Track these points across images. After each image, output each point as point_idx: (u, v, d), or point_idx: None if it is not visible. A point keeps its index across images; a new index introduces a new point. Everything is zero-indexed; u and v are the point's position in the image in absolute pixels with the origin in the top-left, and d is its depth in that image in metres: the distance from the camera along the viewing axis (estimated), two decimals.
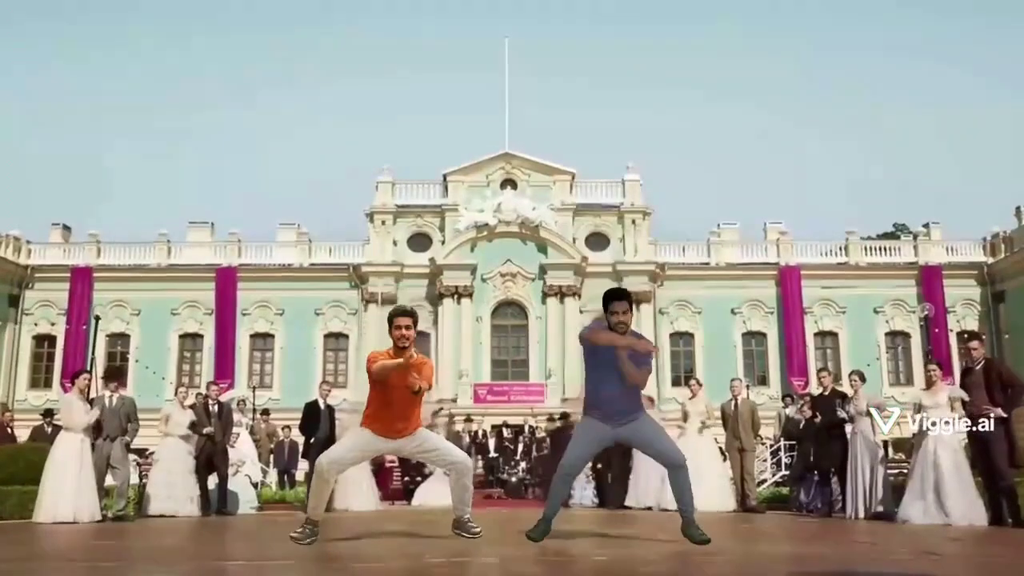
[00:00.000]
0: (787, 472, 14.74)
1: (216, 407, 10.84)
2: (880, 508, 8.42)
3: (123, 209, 71.33)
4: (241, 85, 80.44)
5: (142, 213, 73.16)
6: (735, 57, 75.41)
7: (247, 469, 12.52)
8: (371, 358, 5.72)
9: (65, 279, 33.97)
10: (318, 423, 11.42)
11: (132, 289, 34.48)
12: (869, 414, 8.65)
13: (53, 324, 34.08)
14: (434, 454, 5.84)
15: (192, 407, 10.61)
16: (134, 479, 11.41)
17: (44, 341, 34.38)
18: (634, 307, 5.36)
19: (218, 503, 10.50)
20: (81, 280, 34.19)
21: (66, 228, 37.68)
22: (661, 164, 79.85)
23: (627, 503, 11.70)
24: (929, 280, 34.44)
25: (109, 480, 9.18)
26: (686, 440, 10.60)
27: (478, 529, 5.71)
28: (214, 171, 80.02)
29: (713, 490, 10.34)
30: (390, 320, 5.72)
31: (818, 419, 9.36)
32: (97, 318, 21.92)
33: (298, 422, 11.89)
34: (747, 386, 12.93)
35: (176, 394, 10.48)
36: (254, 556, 5.38)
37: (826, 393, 9.64)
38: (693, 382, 11.16)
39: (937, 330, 32.56)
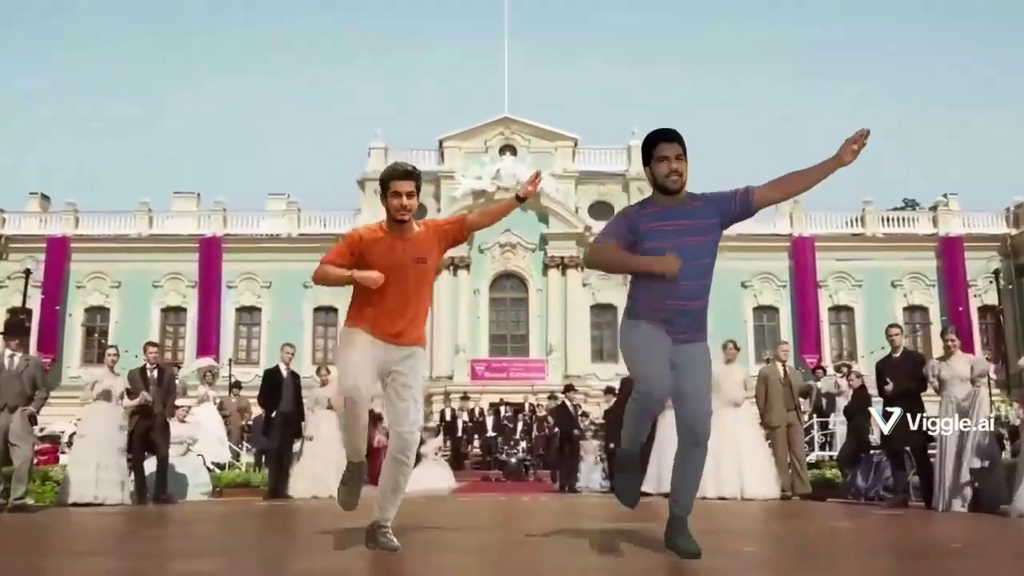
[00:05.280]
0: (822, 452, 13.12)
1: (155, 372, 9.07)
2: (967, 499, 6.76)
3: (113, 196, 69.62)
4: (234, 62, 78.33)
5: (131, 195, 71.40)
6: (740, 27, 73.30)
7: (204, 447, 10.84)
8: (350, 238, 4.09)
9: (41, 250, 32.17)
10: (280, 394, 9.75)
11: (111, 260, 32.82)
12: (974, 381, 6.99)
13: (28, 296, 32.32)
14: (402, 392, 4.02)
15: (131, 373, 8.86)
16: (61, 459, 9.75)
17: (19, 314, 32.61)
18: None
19: (156, 488, 8.79)
20: (57, 251, 32.47)
21: (44, 197, 36.08)
22: None
23: (645, 488, 10.02)
24: (949, 252, 32.82)
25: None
26: (721, 415, 8.91)
27: (395, 543, 3.94)
28: (208, 152, 78.20)
29: (759, 475, 8.69)
30: (384, 184, 4.02)
31: (888, 387, 7.67)
32: (27, 271, 20.22)
33: None
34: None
35: (106, 357, 8.77)
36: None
37: (896, 355, 7.96)
38: (730, 345, 9.28)
39: (961, 308, 31.00)
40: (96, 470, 8.02)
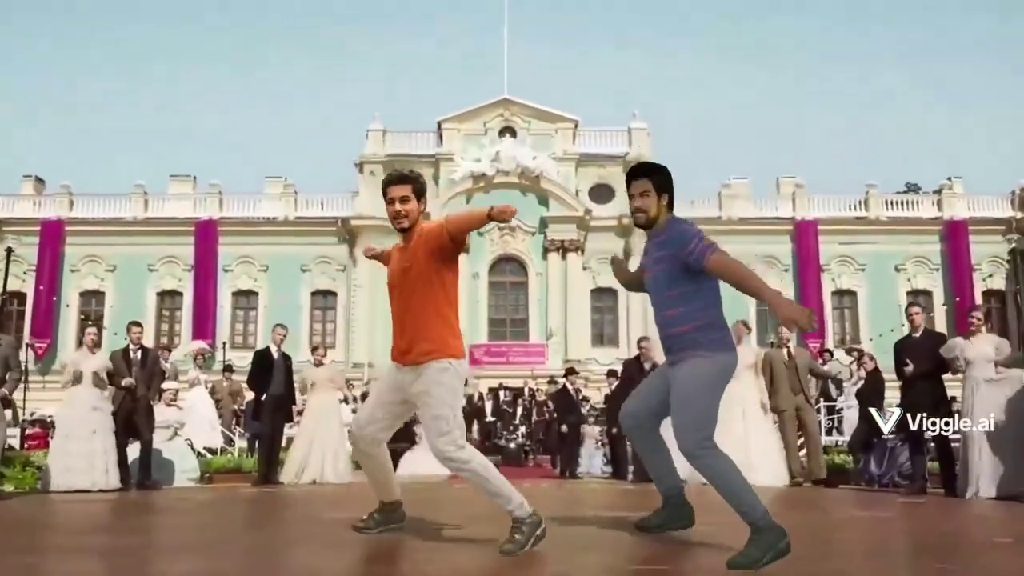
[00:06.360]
0: (829, 437, 12.78)
1: (139, 354, 8.70)
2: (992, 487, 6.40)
3: (108, 179, 68.97)
4: (231, 44, 77.60)
5: (126, 178, 70.90)
6: (740, 27, 72.62)
7: (195, 432, 10.51)
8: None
9: (35, 233, 31.85)
10: (271, 376, 9.38)
11: (106, 244, 32.49)
12: (998, 364, 6.64)
13: (23, 281, 31.96)
14: (422, 416, 3.71)
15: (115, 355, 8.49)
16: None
17: (13, 299, 32.20)
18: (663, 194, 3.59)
19: (140, 474, 8.43)
20: (51, 234, 32.11)
21: (39, 180, 35.69)
22: (666, 125, 77.31)
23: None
24: (954, 236, 32.47)
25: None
26: (728, 399, 8.47)
27: (524, 537, 3.51)
28: (205, 134, 77.61)
29: (769, 462, 8.33)
30: (384, 194, 3.89)
31: (908, 368, 7.30)
32: (9, 250, 19.90)
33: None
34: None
35: (85, 337, 8.40)
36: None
37: (916, 335, 7.59)
38: (740, 324, 8.74)
39: (974, 288, 30.67)
40: (76, 457, 7.67)
